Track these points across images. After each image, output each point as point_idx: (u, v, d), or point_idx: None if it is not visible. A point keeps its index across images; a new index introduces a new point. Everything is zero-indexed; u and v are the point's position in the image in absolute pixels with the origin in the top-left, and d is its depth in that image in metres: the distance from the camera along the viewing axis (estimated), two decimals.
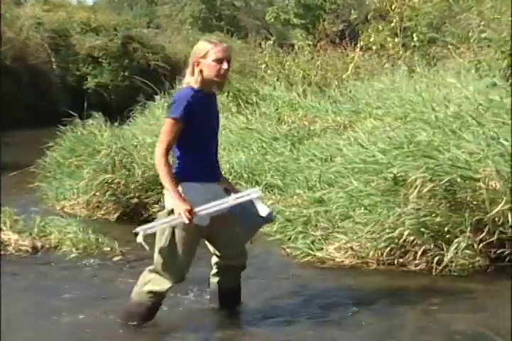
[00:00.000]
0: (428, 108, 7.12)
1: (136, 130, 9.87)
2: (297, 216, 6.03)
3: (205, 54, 3.91)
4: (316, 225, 5.73)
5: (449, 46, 11.36)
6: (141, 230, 3.93)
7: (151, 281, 4.08)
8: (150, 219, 7.32)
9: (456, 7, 12.60)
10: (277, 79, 11.66)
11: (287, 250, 5.73)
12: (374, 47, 11.91)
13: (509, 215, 4.90)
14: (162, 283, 4.05)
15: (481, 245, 4.95)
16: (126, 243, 6.12)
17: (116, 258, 5.81)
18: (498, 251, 4.96)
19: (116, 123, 9.66)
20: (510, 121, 5.84)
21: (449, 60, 11.04)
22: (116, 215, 7.49)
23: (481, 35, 8.91)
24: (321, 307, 4.45)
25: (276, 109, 9.74)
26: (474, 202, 5.06)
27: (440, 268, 4.96)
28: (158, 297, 4.10)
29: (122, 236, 6.56)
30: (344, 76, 10.92)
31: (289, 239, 5.90)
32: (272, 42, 13.38)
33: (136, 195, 7.48)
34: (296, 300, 4.51)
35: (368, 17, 13.59)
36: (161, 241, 3.96)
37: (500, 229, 4.95)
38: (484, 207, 4.99)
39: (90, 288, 5.04)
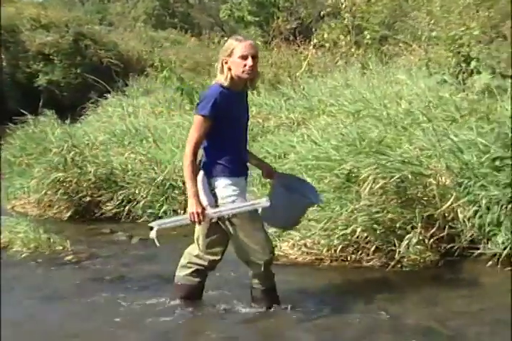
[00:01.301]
0: (380, 105, 7.20)
1: (89, 128, 9.79)
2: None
3: (230, 52, 3.97)
4: None
5: (401, 44, 11.50)
6: (156, 225, 4.09)
7: (250, 267, 4.17)
8: (102, 218, 7.32)
9: (406, 6, 12.76)
10: None
11: None
12: (327, 45, 11.97)
13: (458, 210, 4.99)
14: (255, 266, 4.12)
15: (432, 240, 5.03)
16: (78, 242, 6.07)
17: (68, 257, 5.74)
18: (448, 246, 5.04)
19: (68, 121, 9.54)
20: (458, 117, 5.94)
21: (400, 57, 11.18)
22: (68, 214, 7.42)
23: (431, 33, 9.04)
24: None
25: None
26: (425, 198, 5.12)
27: (392, 263, 5.02)
28: (264, 278, 4.17)
29: (74, 235, 6.51)
30: (298, 73, 10.95)
31: None
32: (225, 39, 13.34)
33: (89, 193, 7.42)
34: (248, 297, 4.50)
35: (321, 14, 13.66)
36: (228, 235, 4.10)
37: (450, 224, 5.03)
38: (435, 202, 5.07)
39: (42, 287, 4.96)
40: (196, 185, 3.97)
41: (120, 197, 7.34)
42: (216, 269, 4.41)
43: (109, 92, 12.62)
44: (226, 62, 3.98)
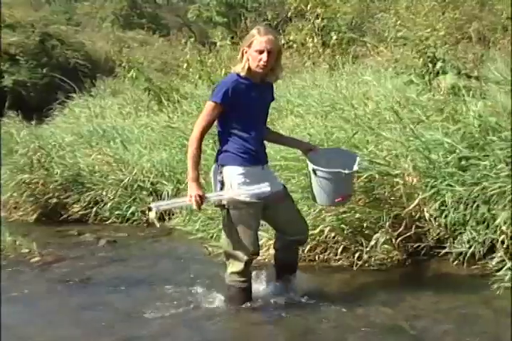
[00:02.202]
0: (348, 105, 7.23)
1: (55, 129, 9.70)
2: (219, 213, 5.99)
3: (250, 43, 4.01)
4: None
5: (368, 45, 11.57)
6: (155, 207, 4.12)
7: (230, 264, 4.21)
8: (69, 220, 7.25)
9: (373, 7, 12.85)
10: (199, 77, 11.62)
11: (209, 249, 5.70)
12: (295, 46, 12.00)
13: (425, 210, 5.02)
14: (237, 263, 4.16)
15: (399, 239, 5.05)
16: (45, 244, 6.01)
17: (34, 260, 5.67)
18: (415, 245, 5.08)
19: (34, 122, 9.45)
20: (425, 117, 5.99)
21: (368, 58, 11.25)
22: (34, 216, 7.37)
23: (398, 34, 9.11)
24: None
25: (198, 107, 9.70)
26: (392, 198, 5.15)
27: (360, 263, 5.03)
28: (242, 276, 4.19)
29: (41, 237, 6.45)
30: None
31: (212, 237, 5.89)
32: (193, 39, 13.33)
33: (56, 195, 7.37)
34: (215, 298, 4.49)
35: (288, 15, 13.69)
36: (222, 223, 4.18)
37: (417, 223, 5.06)
38: (402, 202, 5.09)
39: (8, 290, 4.90)
40: (197, 170, 4.00)
41: (87, 199, 7.29)
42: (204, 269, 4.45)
43: (76, 93, 12.53)
44: (246, 52, 4.04)
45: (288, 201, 4.36)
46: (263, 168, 4.22)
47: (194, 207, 4.00)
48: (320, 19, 10.92)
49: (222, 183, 4.09)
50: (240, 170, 4.06)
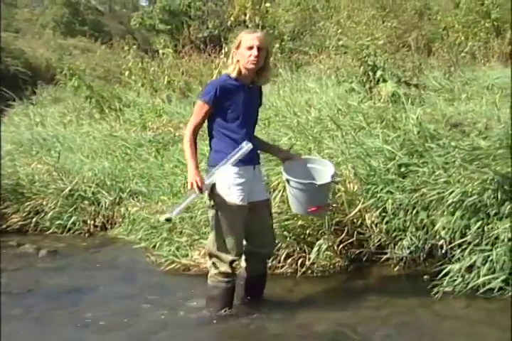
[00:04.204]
0: (290, 113, 7.28)
1: None
2: (162, 223, 5.97)
3: (238, 44, 4.10)
4: (181, 232, 5.70)
5: (310, 53, 11.68)
6: (172, 215, 4.09)
7: (214, 264, 4.23)
8: (9, 230, 7.08)
9: (316, 16, 12.99)
10: (142, 85, 11.56)
11: (152, 258, 5.66)
12: None
13: (366, 216, 5.08)
14: (221, 264, 4.18)
15: (341, 246, 5.09)
16: None
17: None
18: (357, 251, 5.12)
19: None
20: (366, 124, 6.06)
21: (310, 66, 11.36)
22: None
23: (339, 42, 9.22)
24: (184, 312, 4.42)
25: (141, 115, 9.65)
26: (334, 205, 5.19)
27: (303, 270, 5.05)
28: (226, 276, 4.20)
29: None
30: (209, 81, 10.94)
31: (154, 246, 5.85)
32: (135, 47, 13.24)
33: None
34: (158, 308, 4.45)
35: (229, 24, 13.74)
36: (209, 223, 4.22)
37: (359, 229, 5.11)
38: (343, 208, 5.14)
39: None
40: (195, 158, 4.04)
41: (27, 209, 7.15)
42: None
43: (15, 101, 12.32)
44: (235, 54, 4.10)
45: (266, 212, 4.35)
46: (254, 167, 4.23)
47: (196, 191, 3.98)
48: (260, 27, 10.95)
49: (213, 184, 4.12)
50: (231, 169, 4.08)
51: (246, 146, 4.07)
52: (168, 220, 4.16)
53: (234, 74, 4.10)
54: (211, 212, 4.18)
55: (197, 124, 4.12)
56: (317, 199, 4.33)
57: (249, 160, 4.17)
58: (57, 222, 6.96)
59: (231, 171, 4.08)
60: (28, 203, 7.15)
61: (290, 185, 4.28)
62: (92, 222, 6.91)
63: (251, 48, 4.04)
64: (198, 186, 3.97)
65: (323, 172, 4.36)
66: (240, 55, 4.08)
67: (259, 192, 4.24)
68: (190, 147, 4.07)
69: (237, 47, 4.09)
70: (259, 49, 4.05)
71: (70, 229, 6.90)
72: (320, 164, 4.46)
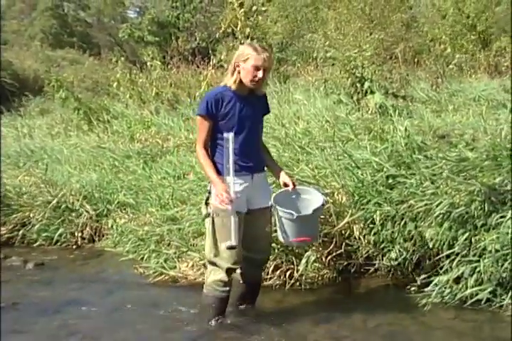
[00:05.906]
0: (278, 124, 7.29)
1: None
2: (150, 234, 5.96)
3: (246, 58, 4.06)
4: (169, 243, 5.68)
5: (298, 64, 11.73)
6: (234, 243, 4.01)
7: (211, 272, 4.24)
8: None
9: (303, 28, 13.05)
10: (130, 97, 11.56)
11: (140, 269, 5.64)
12: (226, 65, 12.05)
13: (354, 228, 5.08)
14: (218, 272, 4.19)
15: (329, 257, 5.08)
16: None
17: None
18: (345, 263, 5.12)
19: None
20: (354, 136, 6.08)
21: (299, 77, 11.40)
22: None
23: (326, 54, 9.26)
24: (173, 324, 4.41)
25: (129, 127, 9.65)
26: (322, 216, 5.18)
27: (292, 282, 5.04)
28: (223, 285, 4.21)
29: None
30: (197, 93, 10.98)
31: (142, 258, 5.82)
32: (124, 59, 13.24)
33: None
34: (146, 320, 4.42)
35: (217, 36, 13.78)
36: (206, 231, 4.21)
37: (347, 241, 5.11)
38: (332, 220, 5.13)
39: None
40: (213, 168, 4.08)
41: (14, 221, 7.10)
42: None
43: (2, 113, 12.28)
44: (238, 66, 4.09)
45: (265, 219, 4.33)
46: (252, 177, 4.21)
47: (225, 202, 3.96)
48: (249, 39, 11.00)
49: (210, 193, 4.15)
50: (227, 179, 4.07)
51: (229, 137, 4.07)
52: (233, 248, 4.06)
53: (234, 87, 4.11)
54: (208, 220, 4.17)
55: (203, 139, 4.15)
56: (303, 230, 4.23)
57: (246, 169, 4.17)
58: (45, 235, 6.92)
59: (227, 181, 4.07)
60: (15, 215, 7.11)
61: (276, 212, 4.23)
62: (80, 234, 6.88)
63: (257, 69, 4.05)
64: (224, 197, 3.97)
65: (313, 202, 4.30)
66: (244, 71, 4.07)
67: (258, 199, 4.22)
68: (205, 160, 4.11)
69: (243, 61, 4.06)
70: (264, 70, 4.07)
71: (57, 242, 6.86)
72: (311, 194, 4.38)
